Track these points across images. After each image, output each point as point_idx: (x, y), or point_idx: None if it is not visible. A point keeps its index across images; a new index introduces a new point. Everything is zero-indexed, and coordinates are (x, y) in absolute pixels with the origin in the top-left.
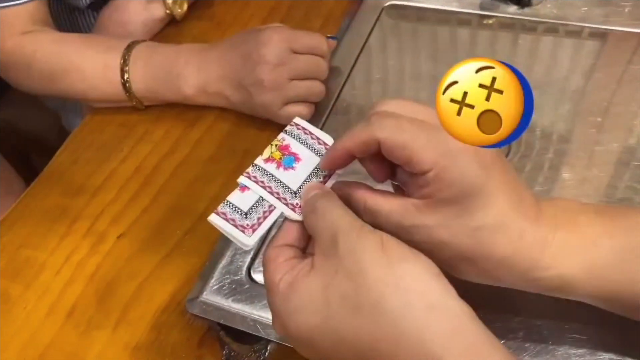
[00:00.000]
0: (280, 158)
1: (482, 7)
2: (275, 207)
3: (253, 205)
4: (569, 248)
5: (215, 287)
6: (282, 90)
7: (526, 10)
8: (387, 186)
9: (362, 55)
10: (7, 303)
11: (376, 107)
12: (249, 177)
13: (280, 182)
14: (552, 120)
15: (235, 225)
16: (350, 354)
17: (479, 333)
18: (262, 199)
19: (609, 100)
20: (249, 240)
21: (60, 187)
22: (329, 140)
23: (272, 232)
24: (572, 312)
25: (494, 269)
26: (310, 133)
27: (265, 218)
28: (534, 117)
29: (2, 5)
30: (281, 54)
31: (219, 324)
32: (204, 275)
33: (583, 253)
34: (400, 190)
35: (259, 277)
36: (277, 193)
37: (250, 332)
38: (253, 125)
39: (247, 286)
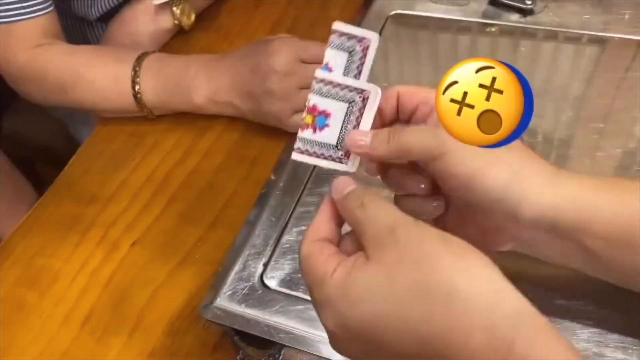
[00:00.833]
0: (313, 121)
1: (484, 16)
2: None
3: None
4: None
5: (229, 293)
6: (291, 99)
7: (528, 18)
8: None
9: None
10: (23, 311)
11: None
12: (301, 152)
13: (322, 143)
14: (553, 125)
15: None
16: (416, 343)
17: (540, 319)
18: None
19: (609, 106)
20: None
21: (73, 196)
22: (359, 84)
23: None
24: (578, 292)
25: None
26: (338, 84)
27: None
28: (535, 122)
29: (14, 19)
30: (290, 64)
31: (233, 329)
32: (217, 282)
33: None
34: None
35: (271, 283)
36: (323, 154)
37: (265, 336)
38: (262, 134)
39: (260, 292)
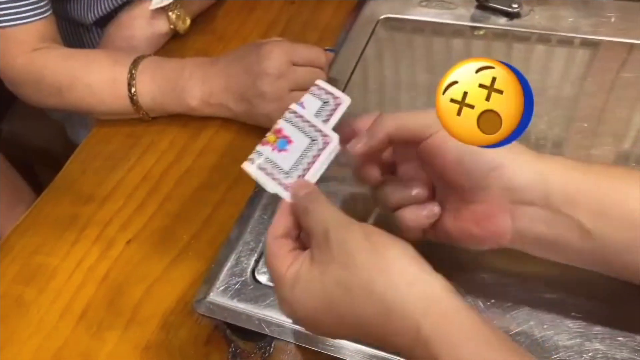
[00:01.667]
0: (275, 141)
1: (473, 19)
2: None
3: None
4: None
5: (222, 288)
6: (283, 101)
7: (515, 21)
8: None
9: (359, 67)
10: (22, 307)
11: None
12: (252, 164)
13: (275, 164)
14: (545, 127)
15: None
16: (349, 328)
17: (451, 302)
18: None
19: (600, 107)
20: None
21: (70, 196)
22: (325, 128)
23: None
24: (564, 285)
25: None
26: (307, 120)
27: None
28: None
29: (12, 23)
30: (281, 67)
31: (225, 322)
32: (211, 277)
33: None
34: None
35: (262, 278)
36: (272, 174)
37: (256, 330)
38: (254, 135)
39: (251, 287)
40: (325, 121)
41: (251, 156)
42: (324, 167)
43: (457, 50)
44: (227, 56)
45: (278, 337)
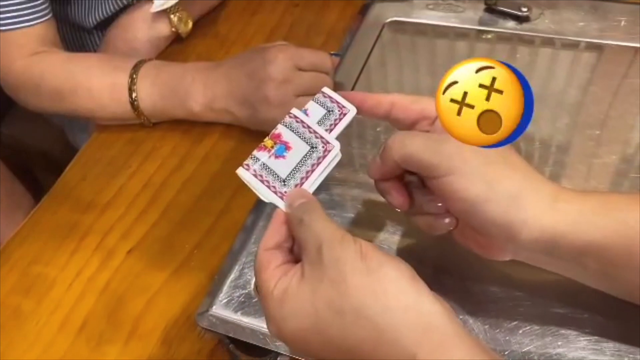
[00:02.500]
0: (272, 146)
1: (480, 23)
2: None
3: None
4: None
5: (224, 300)
6: (288, 106)
7: (524, 25)
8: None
9: (365, 71)
10: (20, 319)
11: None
12: (248, 169)
13: (272, 171)
14: (550, 131)
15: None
16: (337, 352)
17: (448, 330)
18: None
19: (605, 112)
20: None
21: (70, 203)
22: (327, 136)
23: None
24: (575, 301)
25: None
26: (308, 126)
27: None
28: (532, 128)
29: (12, 27)
30: (286, 72)
31: (228, 337)
32: (213, 289)
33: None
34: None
35: None
36: (268, 182)
37: (260, 344)
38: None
39: (255, 300)
40: (328, 130)
41: (247, 161)
42: (323, 176)
43: (465, 54)
44: (231, 61)
45: (283, 352)
